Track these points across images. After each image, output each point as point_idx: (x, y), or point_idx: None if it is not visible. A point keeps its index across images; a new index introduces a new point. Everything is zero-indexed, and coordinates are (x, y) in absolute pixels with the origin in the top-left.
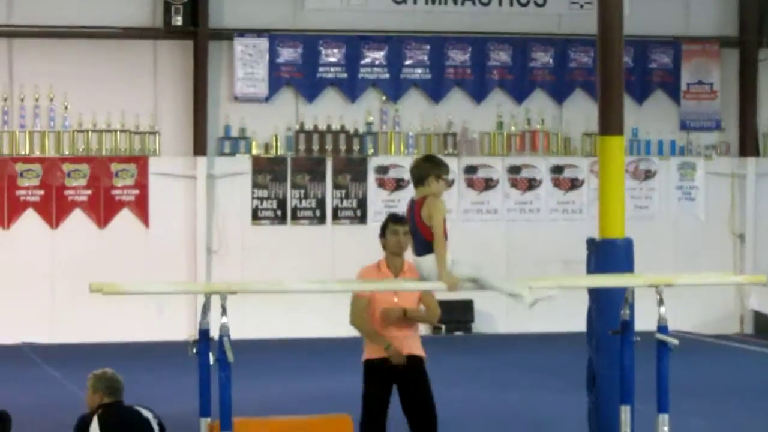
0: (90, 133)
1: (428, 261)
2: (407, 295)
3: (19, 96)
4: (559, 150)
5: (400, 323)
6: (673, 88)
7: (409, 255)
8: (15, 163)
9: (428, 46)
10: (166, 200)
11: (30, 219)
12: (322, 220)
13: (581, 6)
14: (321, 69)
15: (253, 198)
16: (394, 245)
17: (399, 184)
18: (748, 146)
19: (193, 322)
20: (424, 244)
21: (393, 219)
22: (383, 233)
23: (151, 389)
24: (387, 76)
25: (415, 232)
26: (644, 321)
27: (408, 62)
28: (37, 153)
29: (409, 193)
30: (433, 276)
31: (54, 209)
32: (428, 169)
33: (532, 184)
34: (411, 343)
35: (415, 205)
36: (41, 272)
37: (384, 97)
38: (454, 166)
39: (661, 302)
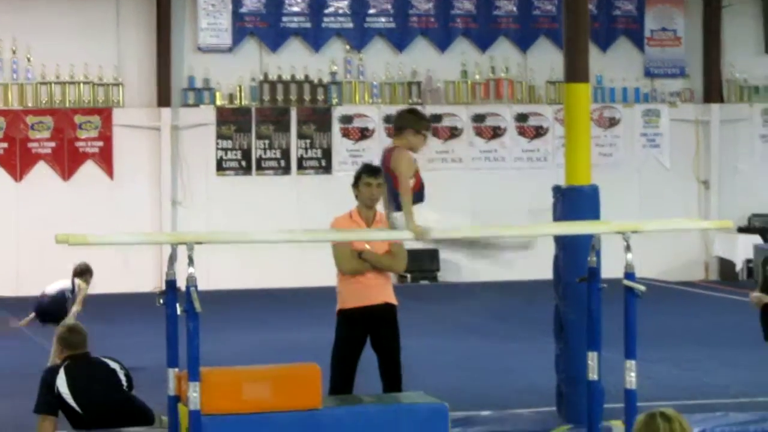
0: (53, 85)
1: (401, 217)
2: (378, 245)
3: None
4: (524, 98)
5: (371, 271)
6: (637, 35)
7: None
8: None
9: None
10: (131, 152)
11: None
12: (287, 170)
13: None
14: (284, 18)
15: (217, 149)
16: (367, 197)
17: (364, 134)
18: (712, 93)
19: (159, 273)
20: (395, 195)
21: (366, 170)
22: (356, 183)
23: (118, 341)
24: (351, 25)
25: (389, 184)
26: (611, 268)
27: (372, 11)
28: (0, 105)
29: (374, 142)
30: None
31: (18, 162)
32: (409, 120)
33: (496, 133)
34: (384, 291)
35: (385, 156)
36: (6, 225)
37: (348, 47)
38: None
39: (628, 249)
